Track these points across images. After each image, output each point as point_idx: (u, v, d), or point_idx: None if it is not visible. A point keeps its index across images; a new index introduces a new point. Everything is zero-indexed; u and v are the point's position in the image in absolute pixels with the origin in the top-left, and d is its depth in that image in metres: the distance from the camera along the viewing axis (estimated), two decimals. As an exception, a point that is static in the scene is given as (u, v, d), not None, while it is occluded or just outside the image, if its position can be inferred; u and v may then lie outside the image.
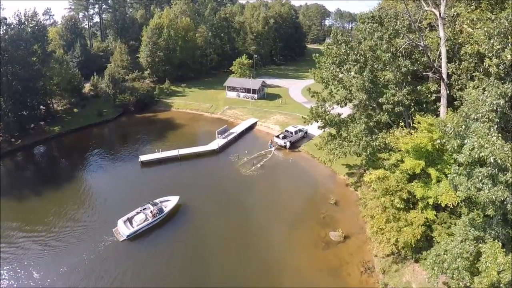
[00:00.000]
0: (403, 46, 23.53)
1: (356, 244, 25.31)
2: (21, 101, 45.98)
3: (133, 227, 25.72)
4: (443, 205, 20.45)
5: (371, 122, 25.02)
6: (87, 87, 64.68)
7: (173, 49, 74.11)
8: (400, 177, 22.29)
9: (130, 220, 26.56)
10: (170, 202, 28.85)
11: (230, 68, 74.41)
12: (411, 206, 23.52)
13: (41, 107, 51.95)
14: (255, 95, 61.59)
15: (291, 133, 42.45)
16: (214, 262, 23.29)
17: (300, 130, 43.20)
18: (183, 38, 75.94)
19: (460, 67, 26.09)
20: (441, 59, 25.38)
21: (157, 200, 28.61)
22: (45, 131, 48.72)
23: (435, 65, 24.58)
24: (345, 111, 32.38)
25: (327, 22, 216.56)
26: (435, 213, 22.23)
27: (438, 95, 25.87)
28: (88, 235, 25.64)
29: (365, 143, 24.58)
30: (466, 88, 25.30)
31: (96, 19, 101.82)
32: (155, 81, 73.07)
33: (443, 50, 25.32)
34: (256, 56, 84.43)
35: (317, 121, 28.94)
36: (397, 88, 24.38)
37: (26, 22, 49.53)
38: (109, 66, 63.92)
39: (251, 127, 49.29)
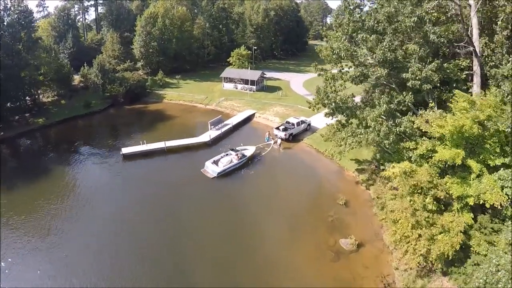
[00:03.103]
0: (433, 5, 18.91)
1: (372, 254, 20.83)
2: (3, 92, 42.03)
3: (219, 167, 29.78)
4: (488, 205, 16.05)
5: (393, 104, 20.43)
6: (77, 78, 61.18)
7: (168, 40, 70.12)
8: (433, 171, 17.86)
9: (216, 162, 30.60)
10: (248, 151, 33.06)
11: (228, 60, 70.08)
12: (442, 207, 19.16)
13: (27, 98, 49.18)
14: (254, 87, 57.20)
15: (293, 124, 37.79)
16: (203, 279, 18.89)
17: (302, 122, 38.60)
18: (179, 28, 71.80)
19: (494, 40, 21.77)
20: (472, 30, 21.02)
21: (237, 148, 33.06)
22: (29, 123, 45.31)
23: (468, 33, 20.10)
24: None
25: (329, 20, 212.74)
26: (472, 216, 17.90)
27: (470, 72, 21.45)
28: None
29: (387, 129, 19.94)
30: (503, 65, 21.05)
31: (92, 11, 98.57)
32: (148, 73, 68.98)
33: (474, 20, 20.96)
34: (255, 48, 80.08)
35: (325, 106, 24.16)
36: (422, 63, 19.91)
37: (12, 8, 45.85)
38: (98, 56, 59.54)
39: (248, 119, 44.82)
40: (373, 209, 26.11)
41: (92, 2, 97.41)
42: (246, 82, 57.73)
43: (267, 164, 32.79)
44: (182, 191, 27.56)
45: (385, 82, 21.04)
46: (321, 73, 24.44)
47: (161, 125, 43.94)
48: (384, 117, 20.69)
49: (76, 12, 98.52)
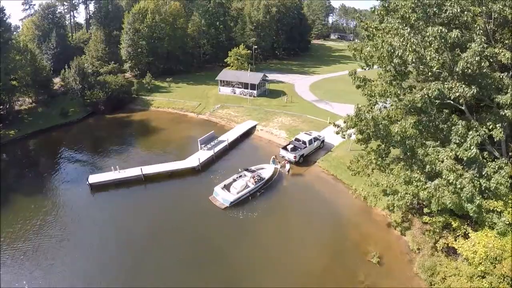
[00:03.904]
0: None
1: None
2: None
3: (232, 194, 24.45)
4: None
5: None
6: (58, 82, 54.44)
7: (159, 38, 63.15)
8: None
9: (227, 187, 25.34)
10: (265, 171, 27.38)
11: (225, 60, 63.04)
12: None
13: (-1, 106, 43.44)
14: (254, 91, 50.06)
15: (304, 142, 30.40)
16: None
17: (315, 139, 31.21)
18: (171, 25, 64.76)
19: None
20: None
21: (252, 168, 27.51)
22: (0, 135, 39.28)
23: None
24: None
25: (331, 19, 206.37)
26: None
27: None
28: None
29: (471, 186, 12.49)
30: None
31: (82, 9, 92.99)
32: (137, 75, 62.19)
33: None
34: (255, 47, 73.05)
35: (362, 133, 16.47)
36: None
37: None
38: (77, 57, 52.35)
39: (248, 133, 37.53)
40: (413, 268, 19.37)
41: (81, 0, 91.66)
42: (245, 86, 50.63)
43: (274, 197, 25.65)
44: (179, 233, 20.93)
45: (452, 103, 13.91)
46: (361, 84, 16.53)
47: (142, 141, 36.87)
48: (464, 164, 13.33)
49: (65, 10, 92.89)
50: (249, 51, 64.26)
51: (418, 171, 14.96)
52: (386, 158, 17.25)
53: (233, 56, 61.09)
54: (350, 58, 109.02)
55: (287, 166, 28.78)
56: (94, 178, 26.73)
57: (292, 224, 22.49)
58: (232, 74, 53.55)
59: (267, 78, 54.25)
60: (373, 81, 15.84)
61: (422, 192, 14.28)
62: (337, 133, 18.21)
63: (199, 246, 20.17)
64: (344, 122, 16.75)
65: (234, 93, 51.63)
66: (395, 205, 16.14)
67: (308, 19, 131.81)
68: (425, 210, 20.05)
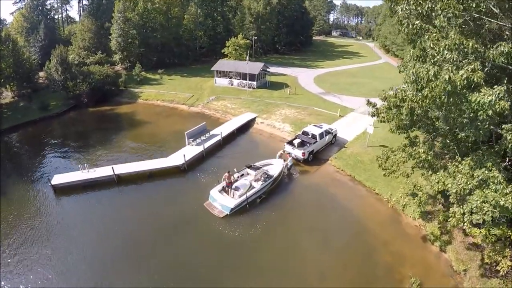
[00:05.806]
0: None
1: None
2: None
3: (233, 198, 19.57)
4: None
5: None
6: (43, 75, 50.61)
7: (151, 28, 58.54)
8: None
9: (226, 189, 20.44)
10: (273, 167, 22.49)
11: (223, 51, 58.25)
12: None
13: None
14: (254, 83, 45.22)
15: (313, 136, 25.24)
16: None
17: (327, 132, 26.01)
18: (165, 14, 60.02)
19: None
20: None
21: (257, 164, 22.46)
22: (-24, 130, 35.46)
23: None
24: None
25: (332, 17, 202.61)
26: None
27: None
28: None
29: None
30: None
31: (75, 3, 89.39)
32: (128, 68, 57.44)
33: None
34: (255, 38, 68.31)
35: (412, 115, 11.28)
36: None
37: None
38: (59, 46, 47.41)
39: (246, 126, 32.56)
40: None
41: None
42: (244, 76, 45.80)
43: (280, 205, 20.38)
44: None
45: None
46: (415, 38, 10.30)
47: (123, 137, 31.70)
48: None
49: (58, 4, 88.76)
50: (248, 41, 59.57)
51: (495, 169, 10.09)
52: (464, 163, 11.75)
53: (231, 46, 56.37)
54: (354, 54, 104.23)
55: (289, 162, 23.32)
56: (58, 179, 21.85)
57: (305, 244, 17.18)
58: (230, 64, 48.71)
59: (268, 69, 49.40)
60: (433, 32, 10.66)
61: (502, 199, 9.43)
62: (373, 114, 13.30)
63: (184, 270, 15.21)
64: (385, 99, 11.64)
65: (232, 84, 46.80)
66: (466, 220, 11.07)
67: (310, 13, 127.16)
68: (474, 218, 15.23)
